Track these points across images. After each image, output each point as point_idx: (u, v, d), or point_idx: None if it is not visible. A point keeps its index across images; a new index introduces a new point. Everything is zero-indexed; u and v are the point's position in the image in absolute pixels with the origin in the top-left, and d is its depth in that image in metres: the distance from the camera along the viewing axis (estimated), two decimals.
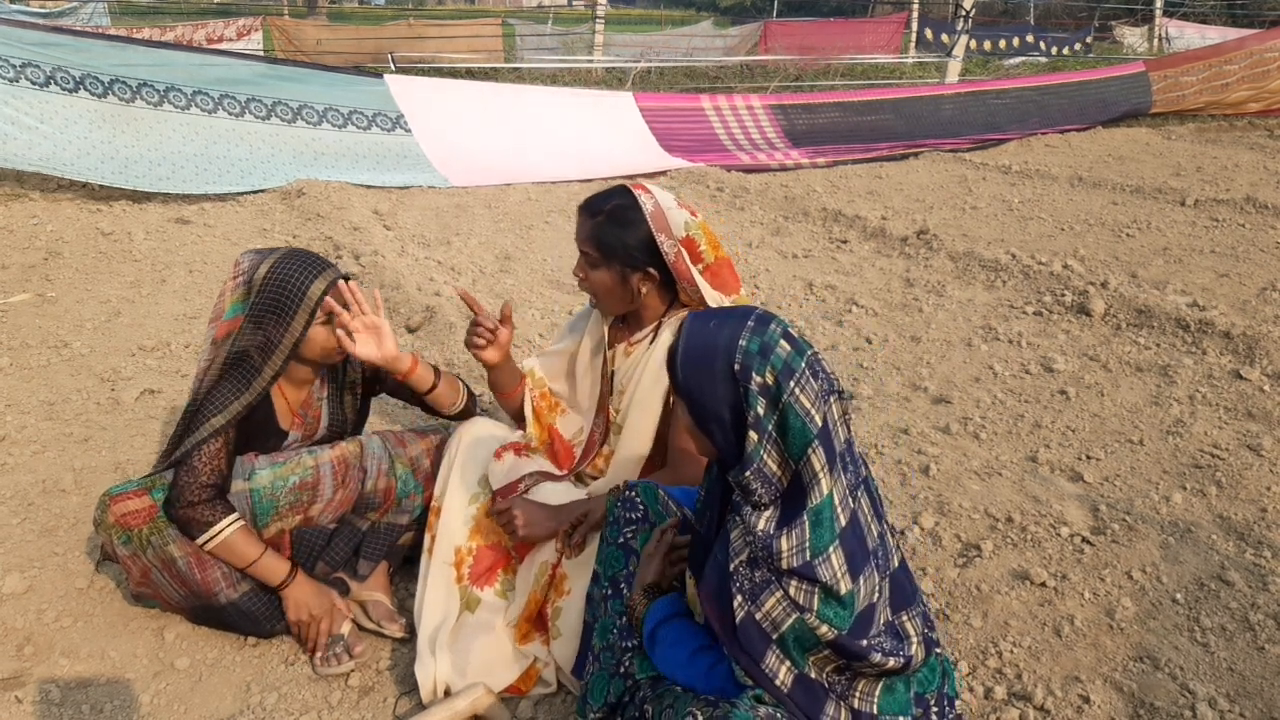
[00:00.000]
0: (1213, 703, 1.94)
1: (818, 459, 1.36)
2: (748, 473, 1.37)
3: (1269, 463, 2.97)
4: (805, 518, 1.37)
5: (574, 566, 1.95)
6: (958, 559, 2.45)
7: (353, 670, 2.01)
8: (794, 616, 1.37)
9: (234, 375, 1.98)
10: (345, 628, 2.05)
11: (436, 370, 2.18)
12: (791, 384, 1.36)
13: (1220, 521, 2.65)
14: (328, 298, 1.96)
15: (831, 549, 1.36)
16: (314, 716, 1.90)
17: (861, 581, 1.38)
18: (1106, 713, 1.93)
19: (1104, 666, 2.06)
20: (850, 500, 1.41)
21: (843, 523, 1.38)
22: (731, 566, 1.41)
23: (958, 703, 1.59)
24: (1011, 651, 2.09)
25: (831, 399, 1.39)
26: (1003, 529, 2.59)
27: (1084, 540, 2.53)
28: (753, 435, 1.36)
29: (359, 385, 2.24)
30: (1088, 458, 3.02)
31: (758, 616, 1.39)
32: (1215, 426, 3.23)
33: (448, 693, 1.89)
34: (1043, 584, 2.32)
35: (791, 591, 1.37)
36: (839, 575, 1.36)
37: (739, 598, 1.40)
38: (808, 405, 1.36)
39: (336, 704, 1.94)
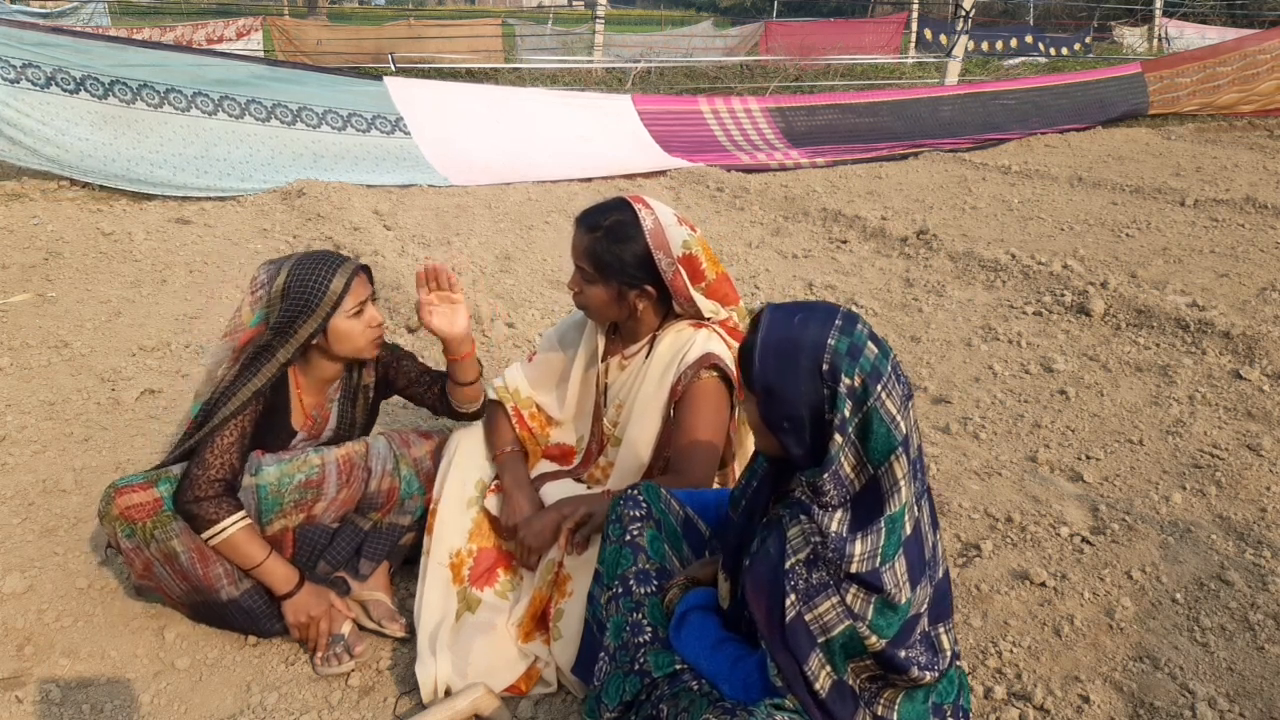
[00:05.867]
0: (1212, 702, 1.94)
1: (900, 466, 1.34)
2: (825, 475, 1.35)
3: (1269, 463, 2.97)
4: (882, 524, 1.35)
5: (577, 568, 1.95)
6: (958, 559, 2.46)
7: (353, 670, 2.01)
8: (846, 624, 1.35)
9: (249, 368, 1.99)
10: (346, 627, 2.05)
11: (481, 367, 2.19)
12: (878, 388, 1.33)
13: (1220, 521, 2.65)
14: (419, 271, 1.97)
15: (896, 557, 1.35)
16: (314, 716, 1.90)
17: (917, 591, 1.38)
18: (1106, 712, 1.93)
19: (1104, 666, 2.06)
20: (915, 508, 1.39)
21: (908, 531, 1.37)
22: (787, 564, 1.38)
23: (971, 716, 1.59)
24: (1011, 651, 2.10)
25: (909, 404, 1.38)
26: (1002, 529, 2.59)
27: (1084, 540, 2.53)
28: (836, 438, 1.33)
29: (371, 390, 2.24)
30: (1087, 458, 3.02)
31: (808, 618, 1.37)
32: (1215, 426, 3.23)
33: (448, 693, 1.89)
34: (1042, 584, 2.33)
35: (849, 598, 1.35)
36: (900, 584, 1.35)
37: (792, 596, 1.37)
38: (893, 411, 1.34)
39: (336, 704, 1.94)
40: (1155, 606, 2.27)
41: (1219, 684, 2.01)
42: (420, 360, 2.29)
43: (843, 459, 1.34)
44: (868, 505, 1.36)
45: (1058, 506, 2.70)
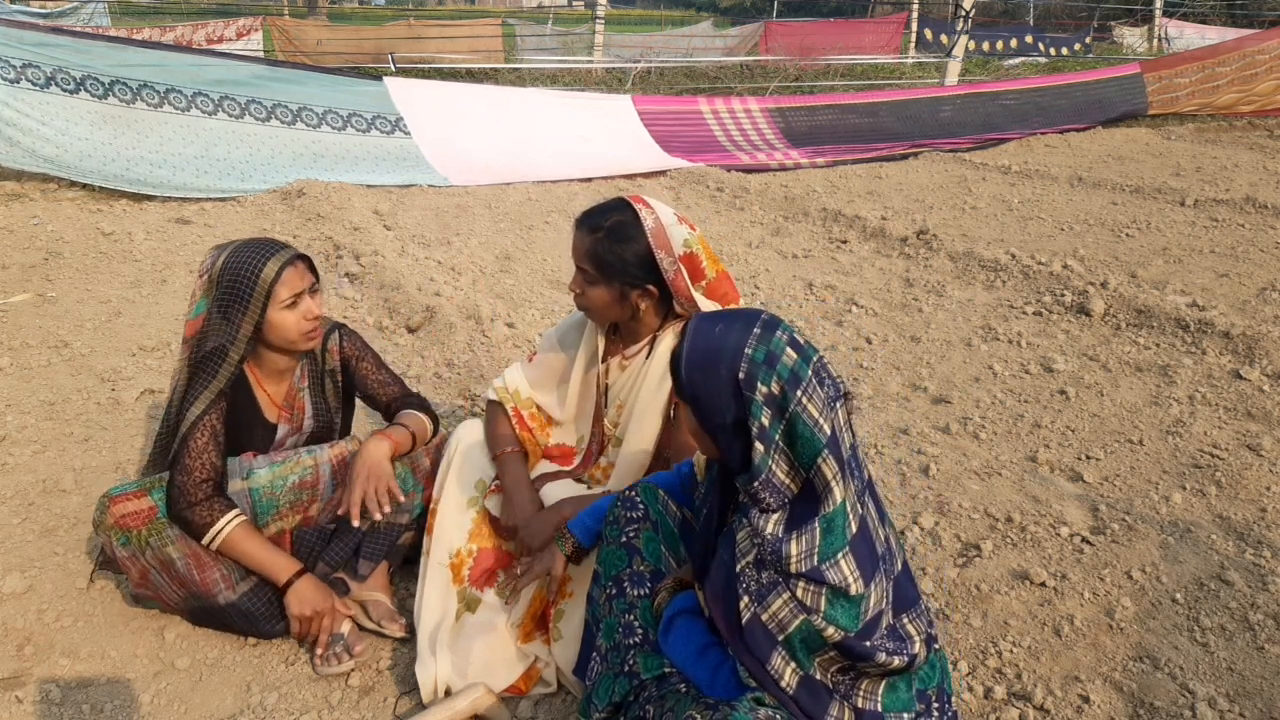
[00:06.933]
0: (1212, 702, 1.94)
1: (829, 468, 1.35)
2: (756, 483, 1.36)
3: (1269, 463, 2.97)
4: (816, 524, 1.36)
5: (577, 569, 1.95)
6: (958, 559, 2.46)
7: (353, 670, 2.01)
8: (801, 618, 1.37)
9: (204, 369, 1.98)
10: (345, 627, 2.05)
11: (414, 436, 2.17)
12: (798, 393, 1.34)
13: (1220, 521, 2.65)
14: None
15: (841, 555, 1.36)
16: (314, 716, 1.90)
17: (872, 588, 1.38)
18: (1106, 713, 1.93)
19: (1104, 666, 2.06)
20: (859, 506, 1.40)
21: (853, 529, 1.38)
22: (738, 567, 1.40)
23: (954, 699, 1.59)
24: (1011, 651, 2.10)
25: (838, 405, 1.39)
26: (1002, 529, 2.59)
27: (1084, 540, 2.53)
28: (759, 446, 1.35)
29: (339, 373, 2.25)
30: (1087, 458, 3.02)
31: (764, 618, 1.38)
32: (1215, 426, 3.23)
33: (448, 692, 1.89)
34: (1042, 584, 2.33)
35: (799, 593, 1.36)
36: (850, 579, 1.36)
37: (745, 599, 1.39)
38: (815, 414, 1.35)
39: (336, 704, 1.94)
40: (1155, 606, 2.27)
41: (1219, 684, 2.01)
42: (385, 366, 2.30)
43: (773, 466, 1.36)
44: (805, 506, 1.38)
45: (1058, 506, 2.70)
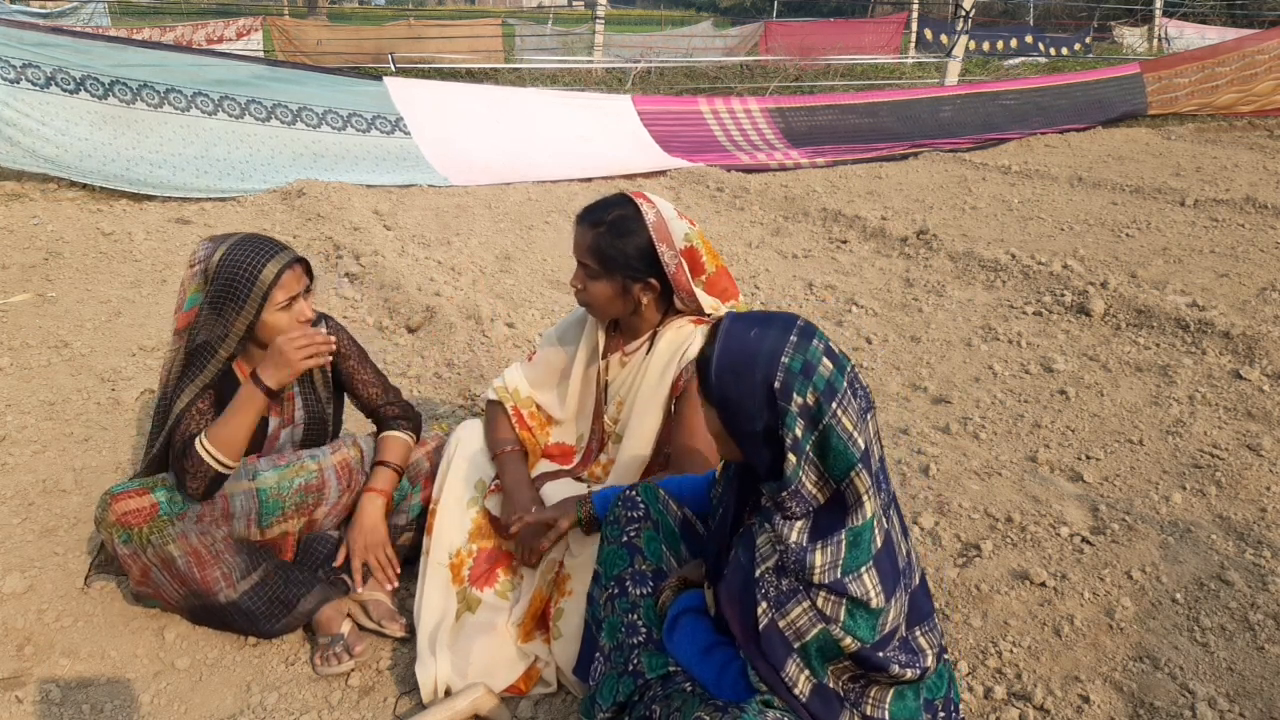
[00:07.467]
0: (1212, 702, 1.94)
1: (861, 482, 1.34)
2: (784, 493, 1.35)
3: (1269, 463, 2.97)
4: (843, 536, 1.34)
5: (577, 568, 1.95)
6: (957, 559, 2.46)
7: (353, 670, 2.01)
8: (819, 627, 1.35)
9: (192, 364, 1.97)
10: (345, 627, 2.05)
11: (399, 469, 2.21)
12: (834, 405, 1.32)
13: (1220, 521, 2.65)
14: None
15: (865, 569, 1.35)
16: (314, 716, 1.90)
17: (892, 602, 1.37)
18: (1106, 713, 1.93)
19: (1104, 666, 2.06)
20: (884, 520, 1.39)
21: (878, 544, 1.36)
22: (757, 573, 1.39)
23: (961, 705, 1.59)
24: (1011, 651, 2.10)
25: (869, 416, 1.37)
26: (1002, 529, 2.59)
27: (1084, 540, 2.53)
28: (791, 458, 1.33)
29: (327, 363, 2.24)
30: (1087, 458, 3.02)
31: (781, 625, 1.37)
32: (1215, 426, 3.23)
33: (448, 692, 1.89)
34: (1042, 584, 2.33)
35: (819, 602, 1.35)
36: (872, 593, 1.35)
37: (763, 604, 1.37)
38: (850, 427, 1.33)
39: (336, 704, 1.94)
40: (1155, 606, 2.27)
41: (1219, 684, 2.01)
42: (369, 364, 2.29)
43: (803, 477, 1.34)
44: (830, 516, 1.36)
45: (1058, 506, 2.70)
